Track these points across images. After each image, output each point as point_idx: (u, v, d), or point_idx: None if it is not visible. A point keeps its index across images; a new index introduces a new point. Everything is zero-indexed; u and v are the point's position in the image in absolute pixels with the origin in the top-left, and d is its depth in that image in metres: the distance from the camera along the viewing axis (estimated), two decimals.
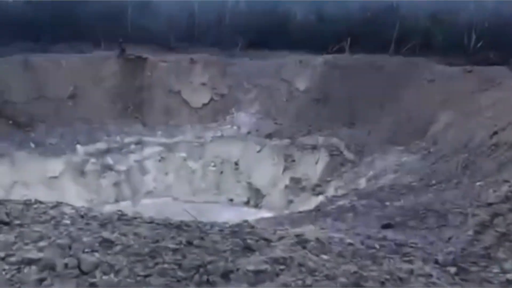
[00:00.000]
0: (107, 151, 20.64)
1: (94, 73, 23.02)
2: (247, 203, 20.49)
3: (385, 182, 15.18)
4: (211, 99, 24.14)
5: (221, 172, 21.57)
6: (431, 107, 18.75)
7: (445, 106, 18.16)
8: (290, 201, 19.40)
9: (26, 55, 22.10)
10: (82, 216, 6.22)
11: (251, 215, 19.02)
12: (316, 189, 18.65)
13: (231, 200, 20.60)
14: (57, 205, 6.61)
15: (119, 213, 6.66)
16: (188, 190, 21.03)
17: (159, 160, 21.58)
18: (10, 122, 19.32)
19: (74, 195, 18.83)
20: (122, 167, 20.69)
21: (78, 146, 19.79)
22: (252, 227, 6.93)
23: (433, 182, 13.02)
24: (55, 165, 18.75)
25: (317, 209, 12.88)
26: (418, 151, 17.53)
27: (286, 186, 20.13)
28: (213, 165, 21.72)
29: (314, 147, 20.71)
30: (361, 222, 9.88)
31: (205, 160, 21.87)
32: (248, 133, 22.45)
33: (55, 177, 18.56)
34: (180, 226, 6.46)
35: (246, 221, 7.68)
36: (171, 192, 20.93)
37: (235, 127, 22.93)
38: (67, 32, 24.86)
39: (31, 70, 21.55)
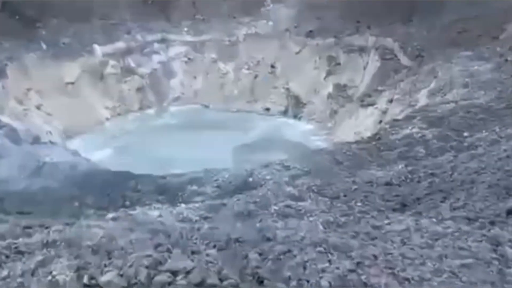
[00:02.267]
0: (128, 51, 18.34)
1: None
2: (285, 112, 18.43)
3: (454, 99, 12.77)
4: None
5: (256, 76, 19.24)
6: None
7: None
8: (334, 112, 17.28)
9: None
10: None
11: (290, 127, 17.20)
12: (365, 100, 16.31)
13: (267, 109, 18.55)
14: None
15: None
16: (219, 96, 18.97)
17: (186, 62, 19.27)
18: (17, 17, 16.92)
19: (94, 102, 17.12)
20: (145, 70, 18.55)
21: (95, 46, 17.49)
22: None
23: None
24: (71, 69, 16.73)
25: (377, 137, 10.77)
26: (490, 57, 14.73)
27: (329, 94, 17.86)
28: (246, 68, 19.34)
29: (363, 49, 17.98)
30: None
31: (237, 62, 19.46)
32: (286, 30, 19.64)
33: (72, 83, 16.60)
34: None
35: None
36: (200, 98, 18.94)
37: (270, 23, 20.07)
38: None
39: None
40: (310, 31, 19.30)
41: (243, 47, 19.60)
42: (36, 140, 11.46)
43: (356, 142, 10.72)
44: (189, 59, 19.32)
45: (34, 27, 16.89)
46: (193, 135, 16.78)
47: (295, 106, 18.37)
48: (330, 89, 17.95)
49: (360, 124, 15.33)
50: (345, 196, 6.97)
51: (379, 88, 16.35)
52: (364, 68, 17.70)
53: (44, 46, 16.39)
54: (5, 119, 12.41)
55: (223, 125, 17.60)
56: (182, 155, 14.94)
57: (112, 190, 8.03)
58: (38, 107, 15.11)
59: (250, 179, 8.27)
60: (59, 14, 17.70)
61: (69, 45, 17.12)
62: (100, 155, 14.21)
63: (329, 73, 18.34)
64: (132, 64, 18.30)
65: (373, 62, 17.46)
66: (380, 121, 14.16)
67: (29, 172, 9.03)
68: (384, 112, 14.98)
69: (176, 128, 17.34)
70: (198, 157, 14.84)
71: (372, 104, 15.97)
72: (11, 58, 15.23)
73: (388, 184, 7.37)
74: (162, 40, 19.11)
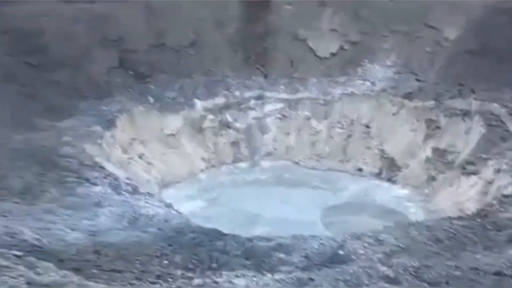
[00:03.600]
0: (226, 106, 19.08)
1: (215, 18, 21.17)
2: (378, 174, 17.81)
3: None
4: (341, 48, 21.12)
5: (349, 136, 18.96)
6: None
7: None
8: (432, 178, 16.35)
9: None
10: None
11: (383, 190, 16.55)
12: (467, 168, 15.27)
13: (360, 169, 18.06)
14: None
15: None
16: (310, 154, 18.90)
17: (280, 119, 19.56)
18: (131, 72, 18.44)
19: (191, 154, 17.85)
20: (241, 125, 19.10)
21: (197, 101, 18.43)
22: None
23: None
24: (173, 122, 17.71)
25: (483, 213, 9.91)
26: None
27: (427, 159, 16.99)
28: (340, 127, 19.16)
29: (466, 113, 17.01)
30: None
31: (331, 121, 19.36)
32: (383, 90, 19.28)
33: (173, 135, 17.53)
34: None
35: None
36: (291, 154, 19.00)
37: (367, 83, 19.87)
38: None
39: (151, 14, 20.29)
40: (409, 93, 18.78)
41: (337, 106, 19.52)
42: (135, 190, 12.05)
43: (459, 217, 9.93)
44: (283, 116, 19.60)
45: (144, 82, 18.25)
46: (283, 192, 16.80)
47: (390, 169, 17.68)
48: (428, 153, 17.09)
49: (462, 194, 14.31)
50: (447, 283, 6.37)
51: (484, 156, 15.24)
52: (467, 133, 16.69)
53: (151, 100, 17.58)
54: (110, 167, 13.24)
55: (313, 184, 17.42)
56: (271, 212, 14.98)
57: (200, 249, 8.10)
58: (140, 156, 16.07)
59: (341, 252, 7.92)
60: (167, 70, 19.00)
61: (174, 99, 18.21)
62: (192, 206, 14.67)
63: (427, 137, 17.54)
64: (229, 119, 18.96)
65: (477, 128, 16.39)
66: (486, 194, 13.10)
67: (126, 223, 9.44)
68: (490, 183, 13.88)
69: (266, 184, 17.49)
70: (286, 216, 14.76)
71: (475, 173, 14.89)
72: (122, 110, 16.48)
73: (497, 274, 6.63)
74: (259, 97, 19.63)
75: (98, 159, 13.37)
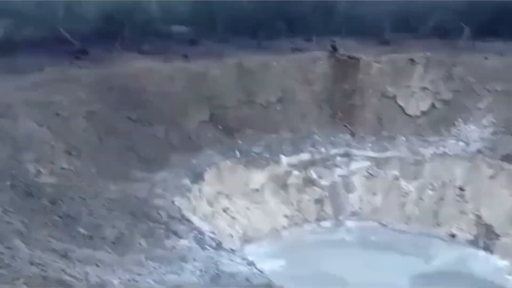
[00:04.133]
0: (311, 163, 19.02)
1: (303, 75, 21.65)
2: (474, 242, 16.53)
3: None
4: (432, 106, 20.50)
5: (441, 199, 17.94)
6: None
7: None
8: None
9: (239, 56, 21.95)
10: None
11: (479, 260, 15.33)
12: None
13: (453, 235, 16.92)
14: None
15: None
16: (399, 216, 18.11)
17: (367, 177, 19.07)
18: (220, 127, 19.17)
19: (274, 210, 17.86)
20: (326, 182, 18.87)
21: (282, 157, 18.60)
22: None
23: None
24: (258, 177, 17.92)
25: None
26: None
27: None
28: (431, 189, 18.23)
29: None
30: None
31: (421, 182, 18.54)
32: (479, 151, 18.21)
33: (257, 190, 17.71)
34: None
35: None
36: (378, 216, 18.31)
37: (461, 143, 18.92)
38: (279, 26, 24.23)
39: (242, 72, 21.22)
40: (508, 155, 17.55)
41: (428, 166, 18.70)
42: (219, 245, 12.18)
43: None
44: (370, 174, 19.11)
45: (232, 137, 18.85)
46: (368, 255, 16.14)
47: (487, 237, 16.36)
48: None
49: None
50: None
51: None
52: None
53: (238, 154, 18.04)
54: (196, 221, 13.58)
55: (401, 248, 16.57)
56: (355, 276, 14.40)
57: None
58: (225, 210, 16.37)
59: None
60: (254, 126, 19.52)
61: (260, 154, 18.54)
62: (273, 265, 14.49)
63: None
64: (314, 176, 18.84)
65: None
66: None
67: (208, 280, 9.51)
68: None
69: (351, 245, 16.94)
70: (372, 281, 14.09)
71: None
72: (210, 163, 17.05)
73: None
74: (345, 154, 19.41)
75: (185, 212, 13.79)
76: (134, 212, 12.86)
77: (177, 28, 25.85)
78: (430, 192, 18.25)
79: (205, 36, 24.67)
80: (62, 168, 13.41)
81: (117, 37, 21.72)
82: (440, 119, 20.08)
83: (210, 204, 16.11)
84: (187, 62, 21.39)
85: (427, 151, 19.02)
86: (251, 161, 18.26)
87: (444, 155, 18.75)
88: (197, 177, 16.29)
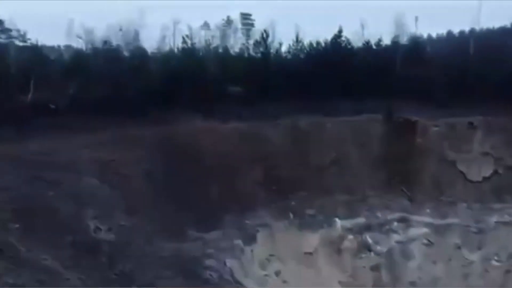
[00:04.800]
0: (367, 227, 18.43)
1: (358, 138, 21.45)
2: None
3: None
4: (495, 172, 19.64)
5: (508, 271, 16.71)
6: None
7: None
8: None
9: (293, 117, 22.14)
10: None
11: None
12: None
13: None
14: None
15: None
16: (462, 287, 16.94)
17: (426, 245, 18.17)
18: (273, 188, 19.09)
19: (328, 276, 17.21)
20: (382, 248, 18.13)
21: (337, 220, 18.15)
22: None
23: None
24: (311, 240, 17.55)
25: None
26: None
27: None
28: (496, 260, 17.07)
29: None
30: None
31: (485, 252, 17.44)
32: None
33: (310, 253, 17.25)
34: None
35: None
36: (439, 286, 17.21)
37: None
38: (334, 87, 24.33)
39: (296, 134, 21.32)
40: None
41: (492, 235, 17.63)
42: None
43: None
44: (429, 242, 18.21)
45: (285, 198, 18.70)
46: None
47: None
48: None
49: None
50: None
51: None
52: None
53: (291, 216, 17.81)
54: (248, 284, 13.29)
55: None
56: None
57: None
58: (276, 274, 15.97)
59: None
60: (308, 188, 19.31)
61: (313, 217, 18.24)
62: None
63: None
64: (370, 241, 18.18)
65: None
66: None
67: None
68: None
69: None
70: None
71: None
72: (262, 225, 16.90)
73: None
74: (402, 220, 18.73)
75: (236, 274, 13.58)
76: (187, 273, 12.79)
77: (233, 89, 26.60)
78: (496, 264, 17.06)
79: (259, 97, 25.15)
80: (120, 225, 13.67)
81: (176, 97, 22.56)
82: (504, 186, 19.13)
83: (262, 266, 15.80)
84: (241, 122, 21.81)
85: (491, 219, 18.02)
86: (305, 224, 17.96)
87: (509, 223, 17.66)
88: (250, 238, 16.16)
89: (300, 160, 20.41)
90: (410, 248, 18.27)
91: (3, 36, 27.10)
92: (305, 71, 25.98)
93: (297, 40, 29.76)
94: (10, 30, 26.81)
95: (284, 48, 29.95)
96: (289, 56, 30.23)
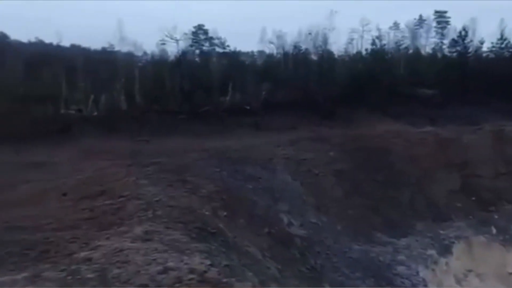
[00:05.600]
0: None
1: None
2: None
3: None
4: None
5: None
6: None
7: None
8: None
9: (496, 123, 19.97)
10: None
11: None
12: None
13: None
14: None
15: None
16: None
17: None
18: (473, 198, 17.39)
19: None
20: None
21: None
22: None
23: None
24: None
25: None
26: None
27: None
28: None
29: None
30: None
31: None
32: None
33: None
34: None
35: None
36: None
37: None
38: None
39: (500, 140, 19.13)
40: None
41: None
42: None
43: None
44: None
45: (487, 210, 16.88)
46: None
47: None
48: None
49: None
50: None
51: None
52: None
53: (494, 231, 15.97)
54: None
55: None
56: None
57: None
58: None
59: None
60: None
61: None
62: None
63: None
64: None
65: None
66: None
67: None
68: None
69: None
70: None
71: None
72: (459, 237, 15.51)
73: None
74: None
75: (430, 285, 12.74)
76: (377, 276, 12.44)
77: (423, 91, 25.18)
78: None
79: (454, 99, 23.29)
80: (311, 222, 13.95)
81: (364, 99, 22.22)
82: None
83: (458, 281, 14.45)
84: (435, 126, 20.47)
85: None
86: (510, 240, 15.88)
87: None
88: (444, 250, 14.95)
89: (505, 169, 18.22)
90: None
91: (206, 44, 30.33)
92: (510, 72, 23.28)
93: (502, 38, 26.84)
94: (212, 38, 29.86)
95: (485, 47, 27.34)
96: (491, 55, 27.41)
